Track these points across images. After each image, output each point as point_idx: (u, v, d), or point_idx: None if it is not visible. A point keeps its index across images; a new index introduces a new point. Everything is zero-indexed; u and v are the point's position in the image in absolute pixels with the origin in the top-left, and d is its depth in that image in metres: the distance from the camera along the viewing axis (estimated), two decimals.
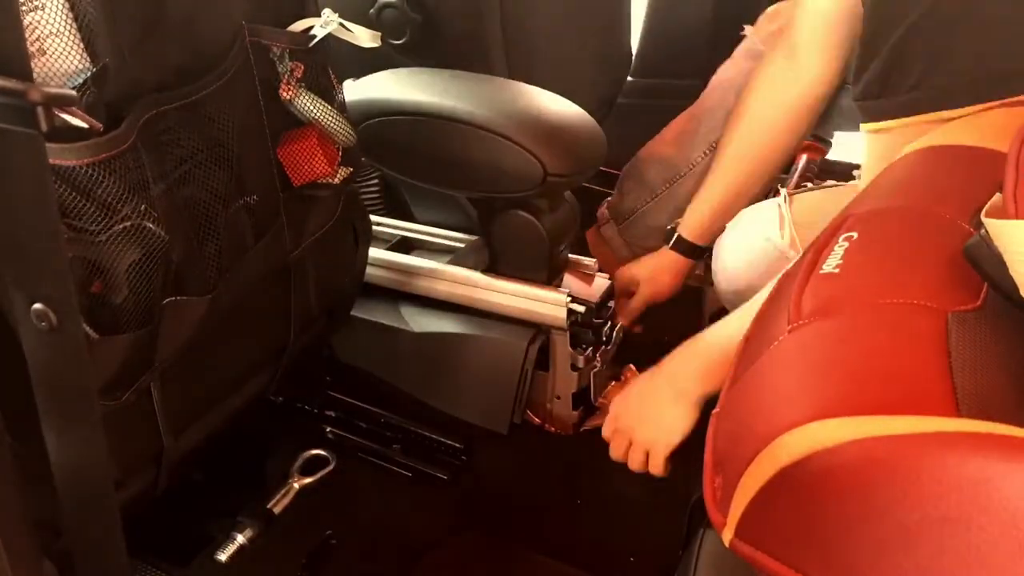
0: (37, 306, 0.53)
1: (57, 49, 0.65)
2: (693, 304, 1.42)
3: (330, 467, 1.13)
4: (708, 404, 0.93)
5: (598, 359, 1.20)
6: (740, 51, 1.45)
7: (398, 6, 1.22)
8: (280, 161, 0.91)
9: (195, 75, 0.79)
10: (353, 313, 1.21)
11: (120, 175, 0.69)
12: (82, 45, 0.67)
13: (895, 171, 0.70)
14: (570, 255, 1.25)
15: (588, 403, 1.23)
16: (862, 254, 0.59)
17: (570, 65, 1.49)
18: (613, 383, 1.24)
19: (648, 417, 0.95)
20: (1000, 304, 0.49)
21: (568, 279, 1.24)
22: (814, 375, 0.49)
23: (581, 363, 1.19)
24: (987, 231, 0.49)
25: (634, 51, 1.76)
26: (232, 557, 1.01)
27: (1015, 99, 0.79)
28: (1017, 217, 0.49)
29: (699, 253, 1.28)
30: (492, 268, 1.21)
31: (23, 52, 0.48)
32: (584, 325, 1.16)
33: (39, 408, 0.58)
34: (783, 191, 1.16)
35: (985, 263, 0.50)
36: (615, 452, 0.98)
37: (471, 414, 1.22)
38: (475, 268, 1.22)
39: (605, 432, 1.00)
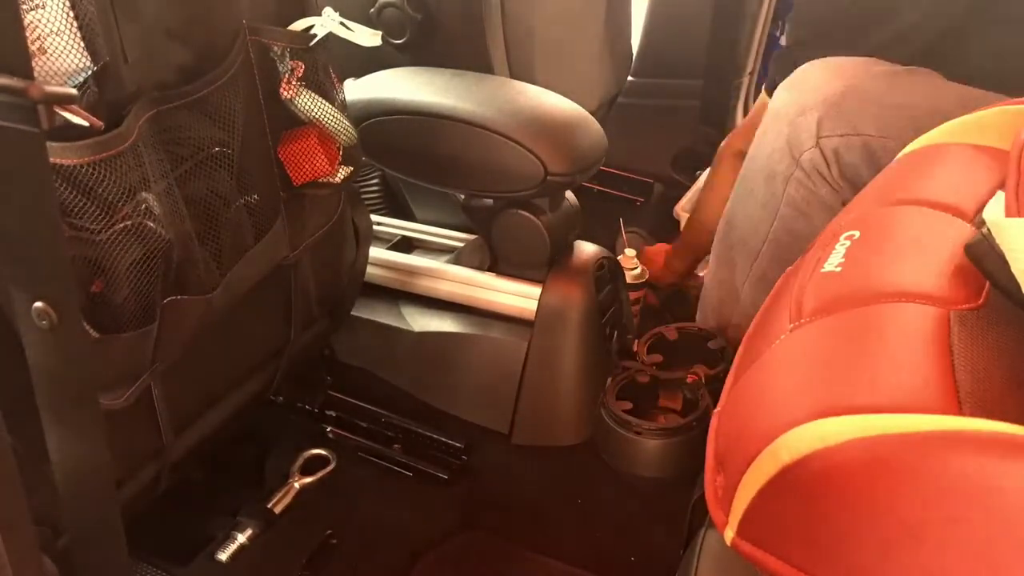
0: (38, 305, 0.53)
1: (58, 48, 0.65)
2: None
3: (330, 467, 1.13)
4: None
5: None
6: None
7: (399, 5, 1.22)
8: (281, 160, 0.91)
9: (196, 74, 0.79)
10: (353, 313, 1.21)
11: (121, 174, 0.68)
12: (83, 44, 0.67)
13: (896, 169, 0.70)
14: None
15: None
16: (863, 253, 0.59)
17: (571, 64, 1.50)
18: None
19: None
20: (1002, 303, 0.49)
21: None
22: (816, 373, 0.49)
23: None
24: (989, 230, 0.49)
25: (634, 51, 1.76)
26: (232, 556, 1.01)
27: (1015, 99, 0.79)
28: (1019, 215, 0.49)
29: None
30: (493, 267, 1.21)
31: (24, 50, 0.48)
32: None
33: (39, 407, 0.58)
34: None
35: (987, 262, 0.49)
36: None
37: (471, 413, 1.22)
38: (475, 267, 1.22)
39: None
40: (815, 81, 1.04)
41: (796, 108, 1.03)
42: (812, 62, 1.08)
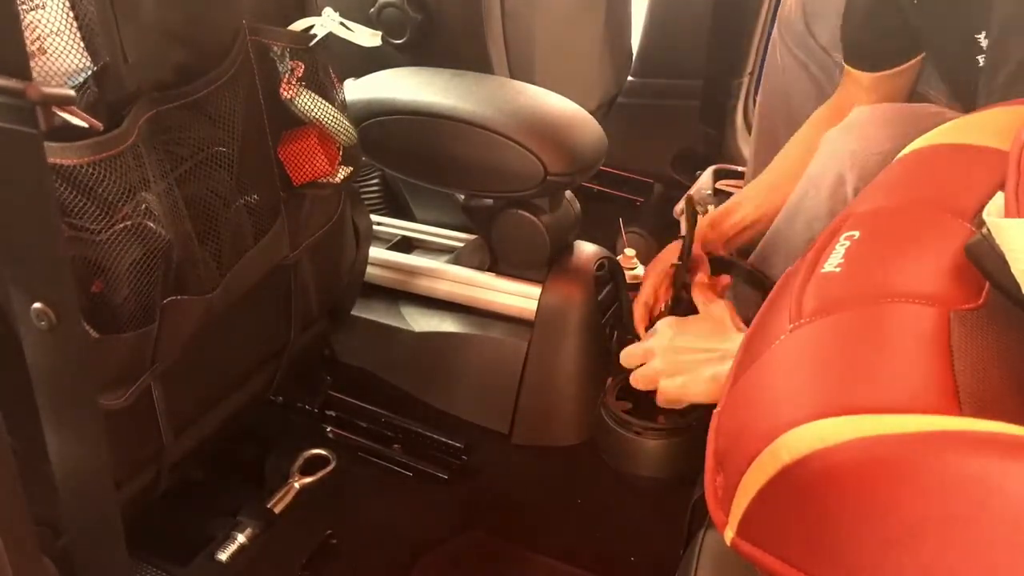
0: (37, 305, 0.53)
1: (57, 48, 0.65)
2: None
3: (330, 467, 1.13)
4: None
5: None
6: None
7: (398, 5, 1.22)
8: (281, 160, 0.91)
9: (196, 74, 0.79)
10: (353, 313, 1.21)
11: (120, 174, 0.68)
12: (82, 44, 0.67)
13: (896, 170, 0.70)
14: None
15: None
16: (863, 253, 0.59)
17: (571, 64, 1.50)
18: None
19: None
20: (1002, 303, 0.49)
21: None
22: (816, 374, 0.49)
23: None
24: (989, 230, 0.49)
25: (634, 51, 1.76)
26: (232, 557, 1.01)
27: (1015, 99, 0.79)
28: (1019, 216, 0.48)
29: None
30: (493, 267, 1.21)
31: (22, 51, 0.48)
32: None
33: (39, 407, 0.58)
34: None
35: (987, 262, 0.49)
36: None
37: (471, 414, 1.22)
38: (475, 267, 1.22)
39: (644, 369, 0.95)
40: (853, 144, 0.94)
41: (834, 176, 0.95)
42: (866, 108, 0.98)
